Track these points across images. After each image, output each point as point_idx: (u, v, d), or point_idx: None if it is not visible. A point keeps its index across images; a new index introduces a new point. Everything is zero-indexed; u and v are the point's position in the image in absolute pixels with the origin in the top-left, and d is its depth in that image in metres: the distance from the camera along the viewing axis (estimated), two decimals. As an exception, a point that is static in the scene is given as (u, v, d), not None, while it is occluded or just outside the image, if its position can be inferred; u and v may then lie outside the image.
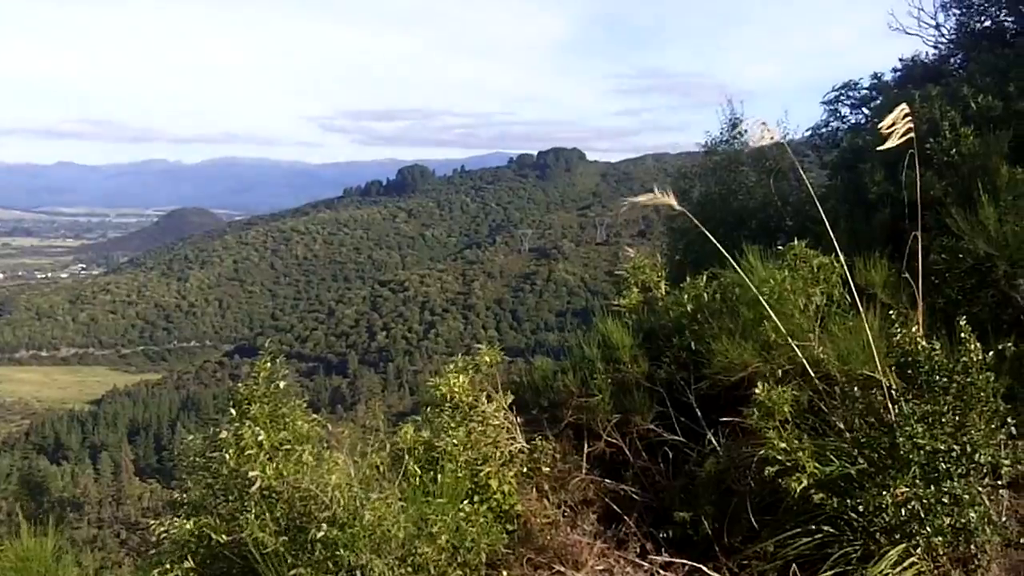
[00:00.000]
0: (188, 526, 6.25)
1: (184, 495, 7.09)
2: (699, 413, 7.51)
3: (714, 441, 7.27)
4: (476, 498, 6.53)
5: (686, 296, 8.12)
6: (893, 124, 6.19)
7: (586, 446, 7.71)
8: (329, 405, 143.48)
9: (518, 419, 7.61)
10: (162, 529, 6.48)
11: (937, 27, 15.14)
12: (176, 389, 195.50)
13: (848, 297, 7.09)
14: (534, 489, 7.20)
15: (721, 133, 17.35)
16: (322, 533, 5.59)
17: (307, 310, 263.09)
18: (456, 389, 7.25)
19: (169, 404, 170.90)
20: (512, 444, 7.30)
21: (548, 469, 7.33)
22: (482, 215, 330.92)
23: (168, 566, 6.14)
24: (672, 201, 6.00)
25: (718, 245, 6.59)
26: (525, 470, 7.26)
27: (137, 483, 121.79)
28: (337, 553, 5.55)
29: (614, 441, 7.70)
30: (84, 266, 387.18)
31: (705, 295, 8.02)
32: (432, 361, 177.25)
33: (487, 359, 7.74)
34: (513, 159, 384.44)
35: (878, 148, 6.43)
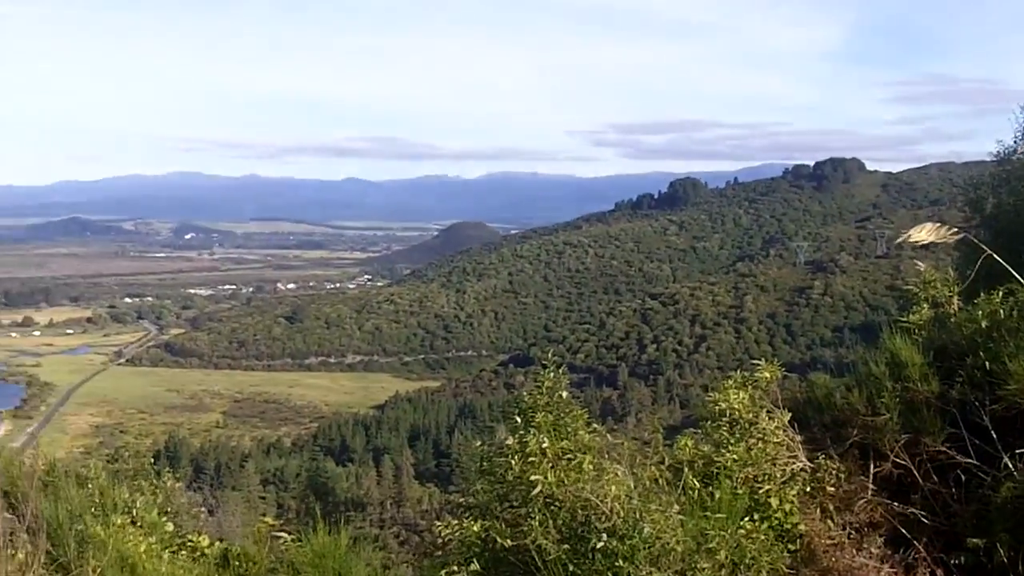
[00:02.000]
0: (475, 528, 6.47)
1: (469, 498, 7.34)
2: (994, 435, 7.13)
3: (1011, 465, 6.88)
4: (756, 515, 6.45)
5: (980, 313, 7.75)
6: None
7: (872, 466, 7.46)
8: (600, 416, 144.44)
9: (798, 437, 7.47)
10: (448, 531, 6.74)
11: None
12: (454, 396, 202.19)
13: None
14: (818, 509, 7.04)
15: (1015, 142, 16.41)
16: (602, 543, 5.68)
17: (579, 322, 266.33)
18: (736, 404, 7.21)
19: (448, 411, 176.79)
20: (793, 462, 7.17)
21: (832, 489, 7.15)
22: (755, 227, 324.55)
23: (455, 567, 6.38)
24: (946, 235, 5.75)
25: (1006, 267, 6.25)
26: (808, 489, 7.11)
27: (416, 486, 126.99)
28: (616, 564, 5.62)
29: (902, 462, 7.41)
30: (369, 277, 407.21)
31: (1001, 312, 7.62)
32: (703, 375, 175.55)
33: (766, 375, 7.64)
34: (788, 170, 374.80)
35: None
